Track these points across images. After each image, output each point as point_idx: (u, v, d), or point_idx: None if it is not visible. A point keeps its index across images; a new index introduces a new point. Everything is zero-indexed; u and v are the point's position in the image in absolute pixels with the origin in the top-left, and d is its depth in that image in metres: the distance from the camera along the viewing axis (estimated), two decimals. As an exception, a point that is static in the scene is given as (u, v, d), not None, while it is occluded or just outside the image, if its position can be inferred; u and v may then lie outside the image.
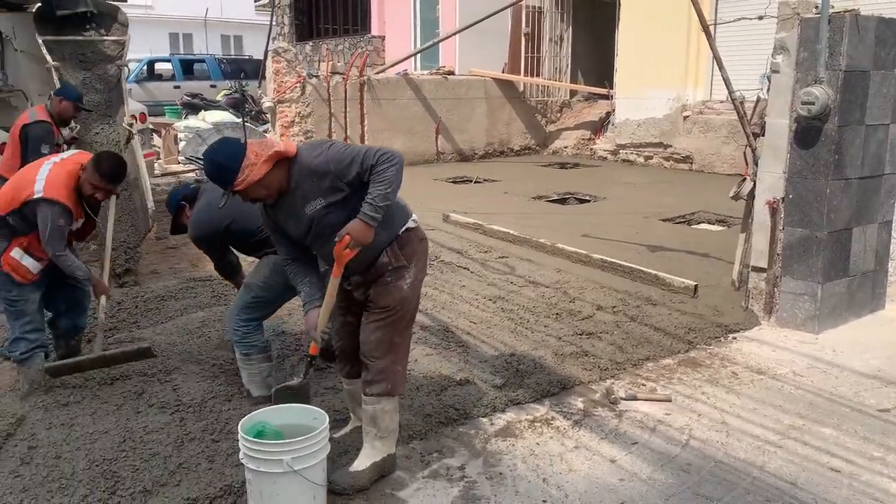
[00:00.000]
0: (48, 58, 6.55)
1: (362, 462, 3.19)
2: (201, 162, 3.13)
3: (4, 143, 6.94)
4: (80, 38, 6.70)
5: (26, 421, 3.67)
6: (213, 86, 19.91)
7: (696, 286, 5.53)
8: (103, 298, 4.30)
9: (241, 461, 2.80)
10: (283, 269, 3.33)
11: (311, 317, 3.16)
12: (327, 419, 2.92)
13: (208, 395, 3.90)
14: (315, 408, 3.03)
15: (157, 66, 20.86)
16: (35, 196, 3.83)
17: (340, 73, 11.47)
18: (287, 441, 2.76)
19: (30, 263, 3.97)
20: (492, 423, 3.72)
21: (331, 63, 11.57)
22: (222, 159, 2.90)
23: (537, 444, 3.52)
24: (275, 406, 3.09)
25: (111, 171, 4.01)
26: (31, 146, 5.77)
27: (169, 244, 7.26)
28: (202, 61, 21.67)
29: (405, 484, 3.18)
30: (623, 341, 4.73)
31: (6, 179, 5.97)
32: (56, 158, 4.13)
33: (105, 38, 7.20)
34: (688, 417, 3.78)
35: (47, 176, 3.90)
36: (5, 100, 7.63)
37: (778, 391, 4.09)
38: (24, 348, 3.99)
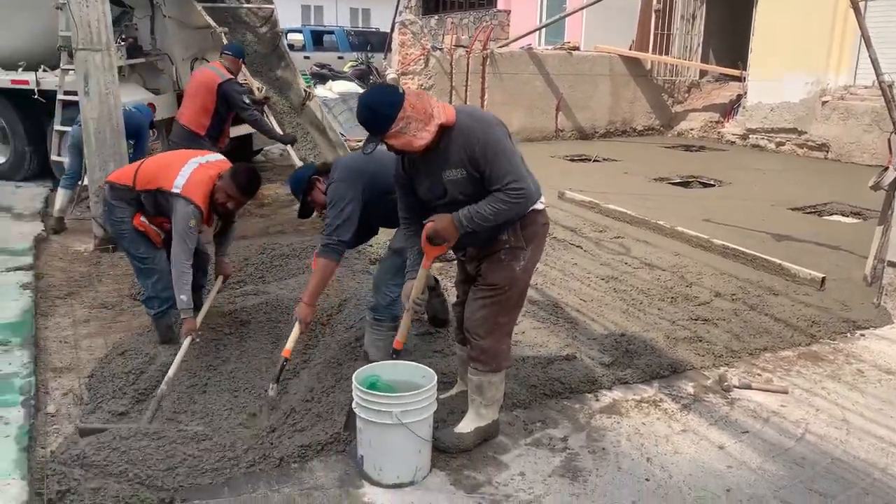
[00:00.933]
0: (211, 22, 7.13)
1: (467, 425, 3.26)
2: None
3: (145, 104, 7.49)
4: (225, 5, 7.24)
5: (157, 359, 3.98)
6: (340, 57, 20.44)
7: (823, 278, 5.26)
8: (187, 340, 3.88)
9: (354, 410, 2.94)
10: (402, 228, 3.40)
11: (405, 287, 3.25)
12: (435, 378, 3.00)
13: (325, 349, 4.09)
14: (425, 367, 3.12)
15: (290, 36, 21.57)
16: (173, 190, 3.94)
17: (464, 47, 11.52)
18: (398, 395, 2.87)
19: (157, 229, 4.21)
20: (597, 400, 3.71)
21: (455, 36, 11.64)
22: (378, 105, 2.82)
23: (643, 423, 3.49)
24: (388, 361, 3.22)
25: (245, 184, 4.06)
26: (237, 100, 6.38)
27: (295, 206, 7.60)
28: (331, 33, 22.27)
29: (507, 449, 3.24)
30: (740, 330, 4.58)
31: (188, 130, 6.33)
32: (202, 159, 4.18)
33: (242, 5, 7.72)
34: (805, 411, 3.62)
35: (190, 175, 3.99)
36: (153, 63, 8.20)
37: (908, 393, 3.85)
38: (158, 307, 4.23)
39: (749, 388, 3.84)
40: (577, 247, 6.25)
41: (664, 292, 5.17)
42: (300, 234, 6.51)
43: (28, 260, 5.77)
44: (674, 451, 3.26)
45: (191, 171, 4.01)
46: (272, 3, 7.63)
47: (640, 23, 13.27)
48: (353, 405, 2.93)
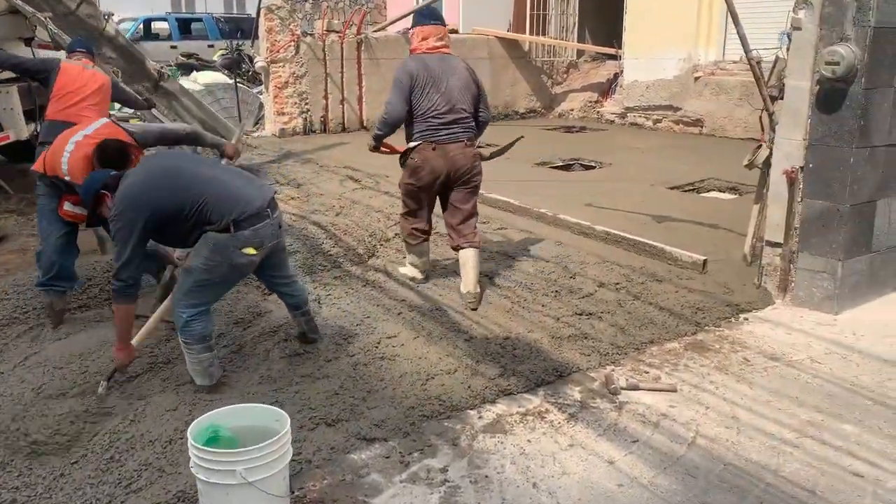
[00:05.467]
0: (27, 10, 6.61)
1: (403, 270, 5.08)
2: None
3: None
4: None
5: None
6: (210, 45, 19.35)
7: (704, 261, 5.17)
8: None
9: (192, 470, 2.50)
10: (223, 248, 3.36)
11: None
12: (289, 422, 2.60)
13: (167, 386, 3.61)
14: (275, 408, 2.72)
15: (154, 25, 20.28)
16: (65, 178, 4.14)
17: (337, 32, 11.00)
18: (241, 450, 2.45)
19: (80, 210, 4.25)
20: (480, 417, 3.41)
21: (327, 20, 11.09)
22: None
23: (528, 441, 3.21)
24: (230, 407, 2.78)
25: (104, 160, 3.95)
26: (126, 91, 6.46)
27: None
28: (199, 20, 21.08)
29: (380, 489, 2.88)
30: (626, 322, 4.40)
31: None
32: (80, 135, 4.23)
33: None
34: (694, 411, 3.46)
35: (69, 157, 4.12)
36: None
37: (794, 380, 3.76)
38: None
39: (637, 388, 3.64)
40: (460, 241, 5.95)
41: (548, 286, 4.94)
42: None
43: None
44: (562, 471, 2.99)
45: (70, 153, 4.14)
46: None
47: (516, 4, 13.13)
48: (191, 465, 2.49)
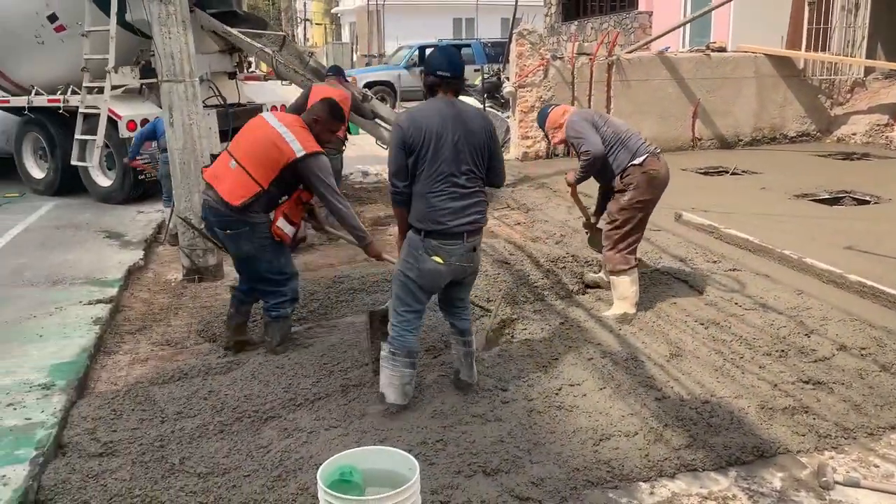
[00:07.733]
0: (255, 46, 7.77)
1: (612, 311, 4.83)
2: None
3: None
4: (251, 30, 8.25)
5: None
6: (477, 70, 20.21)
7: None
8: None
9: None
10: (415, 248, 3.50)
11: None
12: (418, 471, 2.50)
13: (350, 410, 3.70)
14: (410, 457, 2.63)
15: (427, 52, 21.69)
16: (299, 156, 4.03)
17: (587, 54, 10.81)
18: (361, 498, 2.39)
19: (288, 230, 4.27)
20: (652, 493, 3.04)
21: (577, 43, 10.95)
22: None
23: (702, 531, 2.79)
24: (368, 448, 2.75)
25: (332, 110, 4.29)
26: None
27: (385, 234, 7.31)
28: (468, 45, 22.12)
29: (517, 558, 2.67)
30: (863, 398, 3.68)
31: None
32: (271, 114, 4.51)
33: (251, 31, 8.59)
34: (931, 528, 2.76)
35: (290, 131, 4.14)
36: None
37: None
38: (290, 307, 4.50)
39: (857, 485, 3.00)
40: (683, 281, 5.45)
41: (773, 343, 4.31)
42: (371, 265, 6.18)
43: (114, 292, 5.85)
44: (733, 577, 2.54)
45: (287, 127, 4.09)
46: (281, 31, 8.74)
47: (792, 17, 11.88)
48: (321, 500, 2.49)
